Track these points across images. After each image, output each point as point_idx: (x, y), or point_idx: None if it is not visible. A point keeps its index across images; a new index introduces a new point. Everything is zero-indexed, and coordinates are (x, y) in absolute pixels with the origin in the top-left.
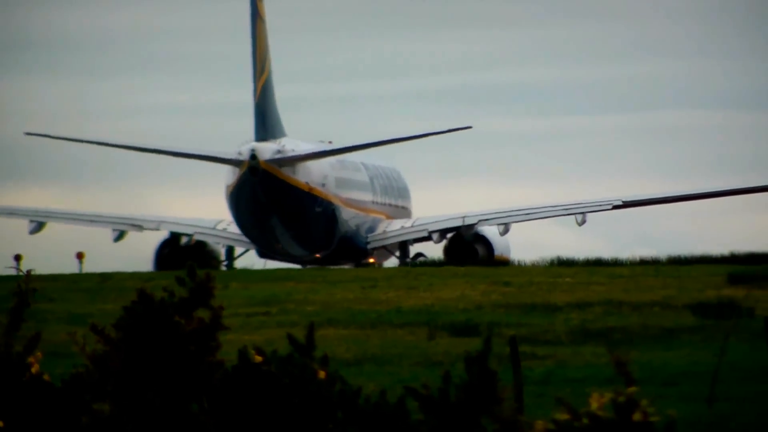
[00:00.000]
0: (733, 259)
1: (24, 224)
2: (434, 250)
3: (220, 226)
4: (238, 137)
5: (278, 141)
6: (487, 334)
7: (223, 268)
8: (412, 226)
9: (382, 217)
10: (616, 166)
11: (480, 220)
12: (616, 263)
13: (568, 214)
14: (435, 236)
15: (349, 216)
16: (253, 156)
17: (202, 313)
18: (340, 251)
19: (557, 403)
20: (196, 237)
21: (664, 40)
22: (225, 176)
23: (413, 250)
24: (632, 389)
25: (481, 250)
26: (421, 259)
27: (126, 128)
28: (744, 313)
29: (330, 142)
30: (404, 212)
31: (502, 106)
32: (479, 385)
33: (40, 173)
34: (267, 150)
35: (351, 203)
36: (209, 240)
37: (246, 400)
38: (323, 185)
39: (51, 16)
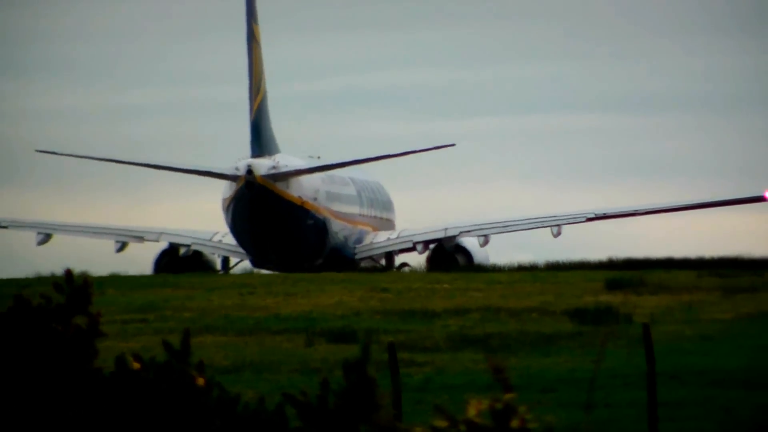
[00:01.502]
0: (611, 265)
1: (32, 236)
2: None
3: (216, 238)
4: (228, 149)
5: (273, 157)
6: (365, 340)
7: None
8: (397, 238)
9: (369, 229)
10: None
11: (461, 232)
12: (494, 269)
13: (544, 226)
14: (419, 247)
15: (338, 228)
16: (250, 171)
17: (80, 320)
18: (329, 261)
19: (435, 410)
20: (194, 248)
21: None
22: (222, 190)
23: (398, 260)
24: (510, 396)
25: (461, 259)
26: (406, 269)
27: (123, 137)
28: (622, 319)
29: (318, 157)
30: (389, 224)
31: (388, 110)
32: (358, 392)
33: (47, 187)
34: (262, 166)
35: (340, 216)
36: (206, 250)
37: (124, 407)
38: (315, 199)
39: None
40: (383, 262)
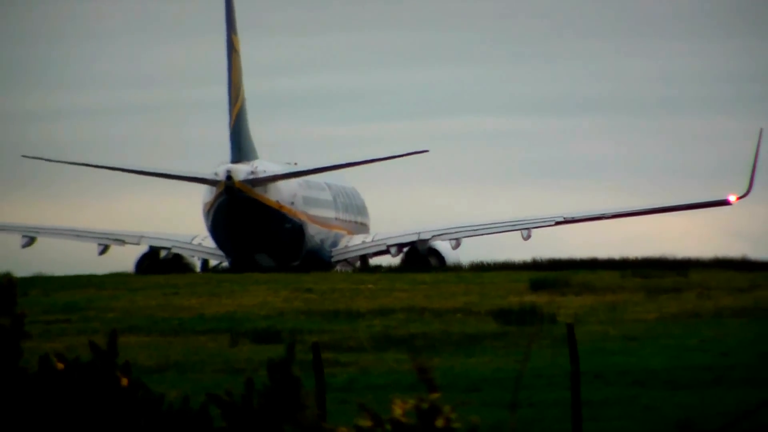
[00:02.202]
0: (535, 266)
1: (17, 239)
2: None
3: (195, 241)
4: (206, 152)
5: (252, 163)
6: (289, 340)
7: None
8: (372, 241)
9: (344, 232)
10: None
11: (434, 236)
12: (418, 270)
13: (515, 230)
14: (393, 250)
15: (315, 232)
16: (229, 177)
17: (3, 320)
18: (306, 263)
19: (360, 410)
20: (174, 250)
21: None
22: (202, 195)
23: (372, 263)
24: (435, 395)
25: (434, 262)
26: None
27: (103, 139)
28: (546, 320)
29: (296, 164)
30: (363, 228)
31: (330, 111)
32: (282, 392)
33: (32, 191)
34: (241, 171)
35: (317, 220)
36: (185, 253)
37: (48, 407)
38: (292, 203)
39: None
40: (358, 264)
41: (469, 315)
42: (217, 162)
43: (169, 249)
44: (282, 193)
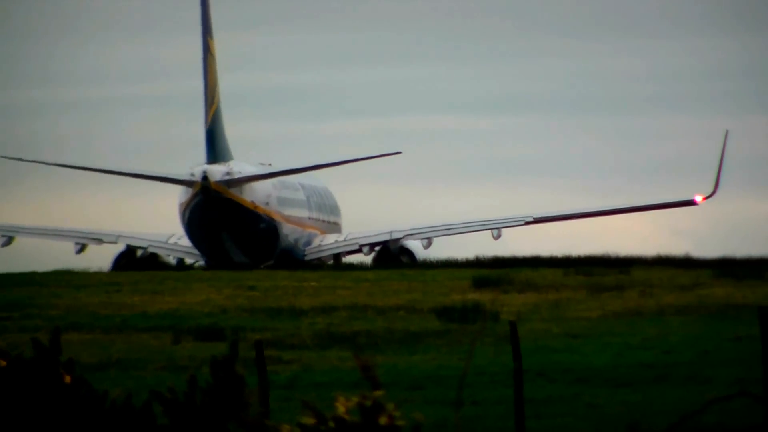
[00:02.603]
0: (478, 263)
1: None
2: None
3: (171, 240)
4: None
5: (227, 164)
6: (232, 338)
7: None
8: (344, 240)
9: (317, 232)
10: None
11: (406, 235)
12: (362, 267)
13: (485, 229)
14: (365, 249)
15: (288, 231)
16: (205, 177)
17: None
18: (279, 262)
19: (303, 407)
20: (150, 249)
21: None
22: (178, 195)
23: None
24: (378, 393)
25: (405, 260)
26: None
27: (77, 136)
28: (489, 317)
29: (270, 164)
30: (336, 227)
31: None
32: (225, 390)
33: (9, 191)
34: (217, 172)
35: (290, 220)
36: (161, 252)
37: None
38: (267, 204)
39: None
40: (331, 262)
41: (412, 313)
42: (193, 163)
43: (145, 248)
44: (257, 194)
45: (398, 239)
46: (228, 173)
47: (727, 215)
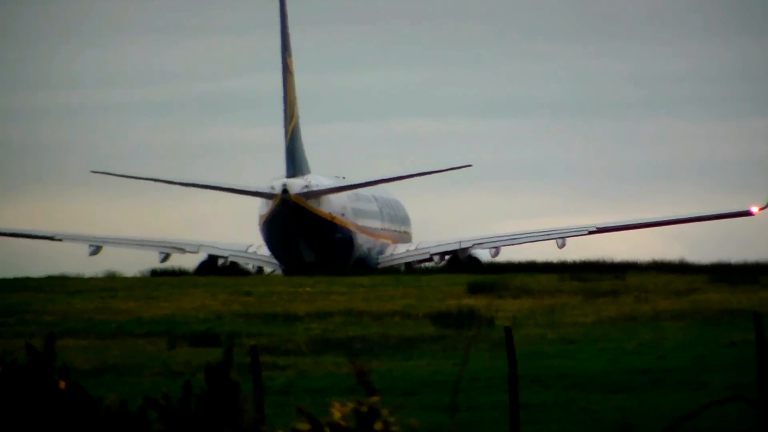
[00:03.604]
0: (474, 269)
1: (84, 248)
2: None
3: (251, 250)
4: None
5: (305, 177)
6: (227, 344)
7: None
8: (416, 249)
9: (389, 242)
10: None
11: (474, 244)
12: (355, 273)
13: (550, 239)
14: (435, 258)
15: (363, 241)
16: (285, 190)
17: None
18: (354, 271)
19: (298, 413)
20: (231, 259)
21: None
22: (258, 207)
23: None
24: (373, 399)
25: None
26: None
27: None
28: (484, 323)
29: (344, 177)
30: (406, 237)
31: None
32: (220, 396)
33: (100, 203)
34: (296, 185)
35: (364, 230)
36: (241, 261)
37: None
38: (342, 215)
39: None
40: (403, 269)
41: (407, 318)
42: (272, 176)
43: (226, 258)
44: (333, 205)
45: (467, 248)
46: (306, 186)
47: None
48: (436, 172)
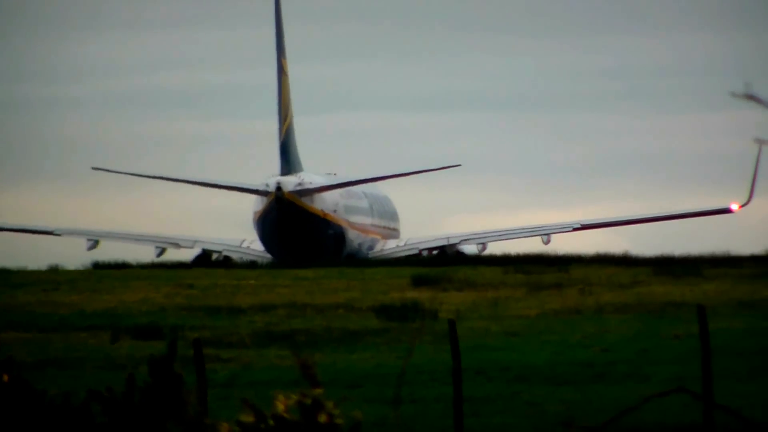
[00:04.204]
0: (418, 262)
1: (82, 242)
2: None
3: (244, 245)
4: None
5: (298, 175)
6: (170, 337)
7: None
8: (405, 245)
9: (379, 237)
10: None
11: (462, 240)
12: (300, 265)
13: (536, 235)
14: (424, 253)
15: (354, 236)
16: (279, 188)
17: None
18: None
19: (242, 406)
20: (225, 253)
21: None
22: (253, 204)
23: None
24: (317, 391)
25: None
26: None
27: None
28: (428, 315)
29: (335, 174)
30: (395, 233)
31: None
32: (164, 389)
33: (99, 199)
34: (290, 183)
35: (356, 226)
36: (235, 255)
37: None
38: (335, 211)
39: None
40: None
41: (351, 311)
42: (267, 174)
43: (220, 252)
44: (326, 202)
45: (454, 244)
46: (300, 184)
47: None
48: (426, 171)
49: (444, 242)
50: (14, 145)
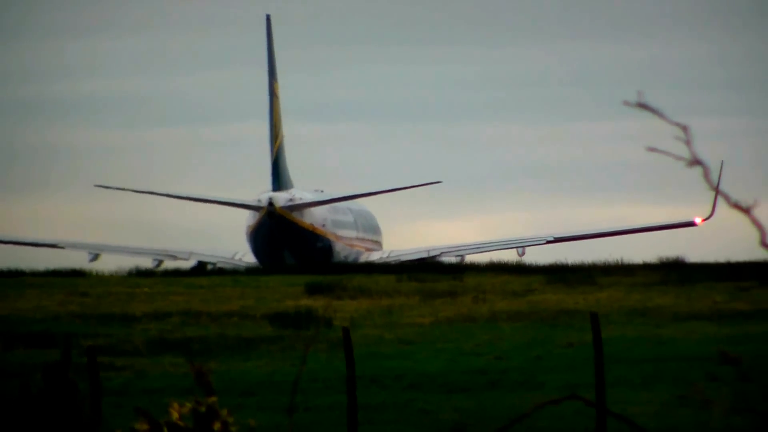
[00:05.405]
0: (313, 270)
1: (84, 255)
2: None
3: (237, 257)
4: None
5: (289, 191)
6: (64, 344)
7: None
8: (387, 257)
9: (363, 249)
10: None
11: (441, 253)
12: (194, 273)
13: (511, 248)
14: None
15: (340, 249)
16: (271, 203)
17: None
18: None
19: (136, 414)
20: (218, 265)
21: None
22: (246, 218)
23: None
24: (212, 399)
25: None
26: None
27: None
28: (322, 323)
29: (322, 191)
30: (378, 245)
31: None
32: (58, 396)
33: (99, 213)
34: (281, 198)
35: (342, 239)
36: (228, 267)
37: None
38: (323, 225)
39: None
40: None
41: (246, 319)
42: (259, 191)
43: (214, 264)
44: (315, 217)
45: (434, 256)
46: (290, 200)
47: (558, 221)
48: (407, 188)
49: (425, 254)
50: (17, 154)
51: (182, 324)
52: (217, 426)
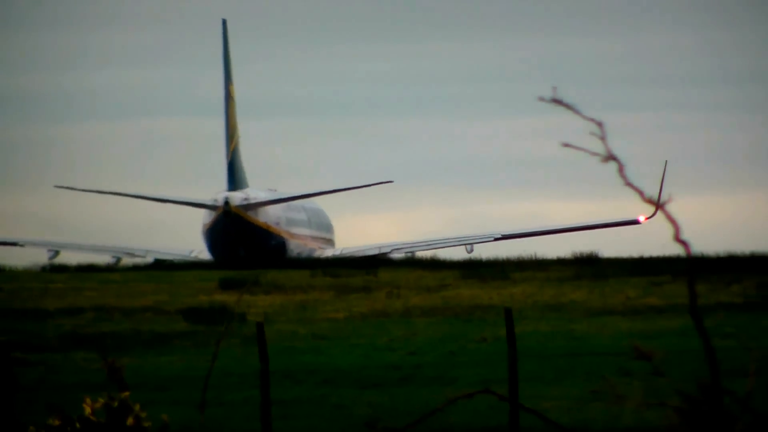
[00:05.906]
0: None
1: (44, 252)
2: None
3: (193, 254)
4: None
5: (244, 191)
6: None
7: None
8: (340, 254)
9: (316, 247)
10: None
11: (393, 249)
12: (109, 269)
13: (461, 245)
14: None
15: (294, 246)
16: (226, 203)
17: None
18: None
19: (49, 409)
20: (175, 262)
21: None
22: (202, 217)
23: None
24: (125, 394)
25: None
26: None
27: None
28: (236, 318)
29: (275, 190)
30: (331, 243)
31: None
32: None
33: (57, 212)
34: (236, 198)
35: (296, 237)
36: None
37: None
38: (277, 224)
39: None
40: None
41: (159, 314)
42: (215, 190)
43: (171, 261)
44: (269, 216)
45: (386, 253)
46: (245, 199)
47: (471, 216)
48: (359, 188)
49: (376, 251)
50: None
51: (96, 319)
52: (129, 421)
